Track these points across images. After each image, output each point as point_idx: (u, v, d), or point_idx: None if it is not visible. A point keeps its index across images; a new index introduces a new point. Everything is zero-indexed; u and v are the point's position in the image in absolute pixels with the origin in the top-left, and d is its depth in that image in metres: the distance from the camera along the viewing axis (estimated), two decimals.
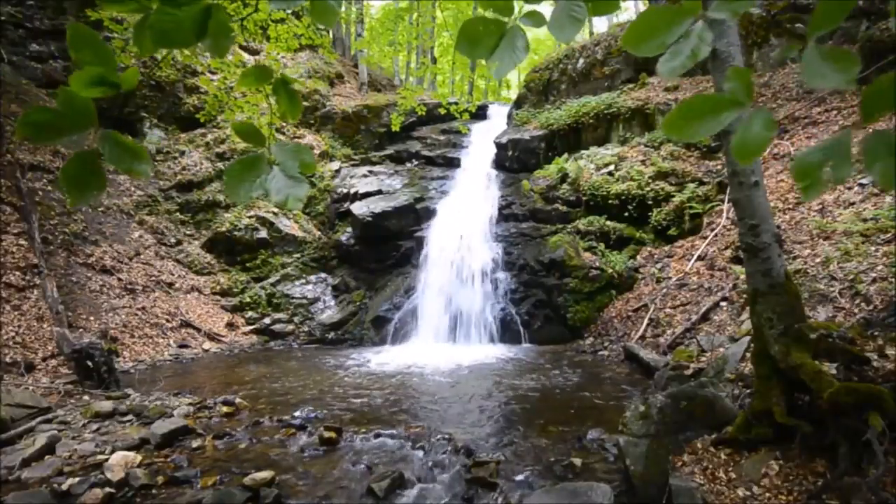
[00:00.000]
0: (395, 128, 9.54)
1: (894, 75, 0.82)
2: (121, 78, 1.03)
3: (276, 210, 11.95)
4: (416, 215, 11.26)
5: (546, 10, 1.15)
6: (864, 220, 5.95)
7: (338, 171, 13.33)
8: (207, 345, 9.04)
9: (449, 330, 9.32)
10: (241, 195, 1.19)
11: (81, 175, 1.04)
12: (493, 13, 1.14)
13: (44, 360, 6.73)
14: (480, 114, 14.97)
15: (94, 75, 1.00)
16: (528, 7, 1.16)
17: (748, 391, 4.02)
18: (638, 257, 9.44)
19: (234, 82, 8.78)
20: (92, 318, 8.11)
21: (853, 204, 6.56)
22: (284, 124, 13.29)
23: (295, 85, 1.49)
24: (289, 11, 8.56)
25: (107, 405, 4.89)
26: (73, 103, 0.99)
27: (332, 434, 4.16)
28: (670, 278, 8.26)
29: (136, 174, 1.11)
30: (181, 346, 8.64)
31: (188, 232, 11.38)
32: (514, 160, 12.19)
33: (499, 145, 12.47)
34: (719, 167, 9.57)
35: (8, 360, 6.38)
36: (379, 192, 12.12)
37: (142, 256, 10.11)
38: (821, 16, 0.90)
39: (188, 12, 1.04)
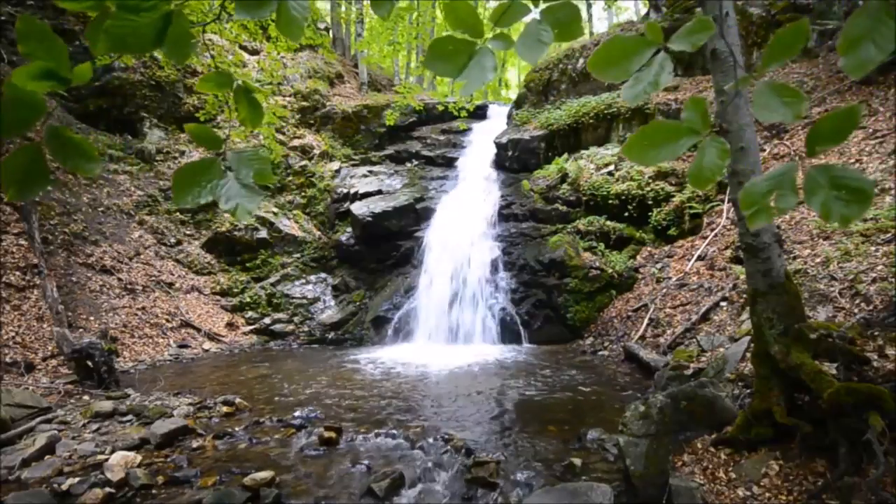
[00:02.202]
0: (391, 122, 9.56)
1: (837, 114, 0.85)
2: (73, 72, 0.99)
3: (276, 210, 11.96)
4: (416, 215, 11.26)
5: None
6: (864, 220, 5.95)
7: (338, 171, 13.33)
8: (207, 345, 9.04)
9: (449, 330, 9.32)
10: (188, 200, 1.14)
11: (25, 170, 1.00)
12: (464, 34, 1.16)
13: (44, 360, 6.73)
14: (480, 113, 14.97)
15: (40, 69, 0.97)
16: (498, 29, 1.20)
17: (748, 391, 4.02)
18: (638, 257, 9.44)
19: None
20: (92, 318, 8.11)
21: None
22: (284, 124, 13.29)
23: (256, 94, 1.47)
24: None
25: (107, 405, 4.89)
26: (20, 97, 0.96)
27: (332, 434, 4.17)
28: (670, 278, 8.26)
29: (84, 173, 1.07)
30: (181, 346, 8.64)
31: (188, 232, 11.38)
32: (514, 160, 12.18)
33: (499, 145, 12.47)
34: None
35: (8, 360, 6.38)
36: (379, 192, 12.12)
37: (142, 256, 10.11)
38: (776, 48, 0.92)
39: (147, 18, 1.01)
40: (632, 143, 1.01)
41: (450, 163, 13.22)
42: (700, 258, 8.18)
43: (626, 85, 1.03)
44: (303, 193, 12.73)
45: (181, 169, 1.15)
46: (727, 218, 8.45)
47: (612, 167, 10.39)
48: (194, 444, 4.13)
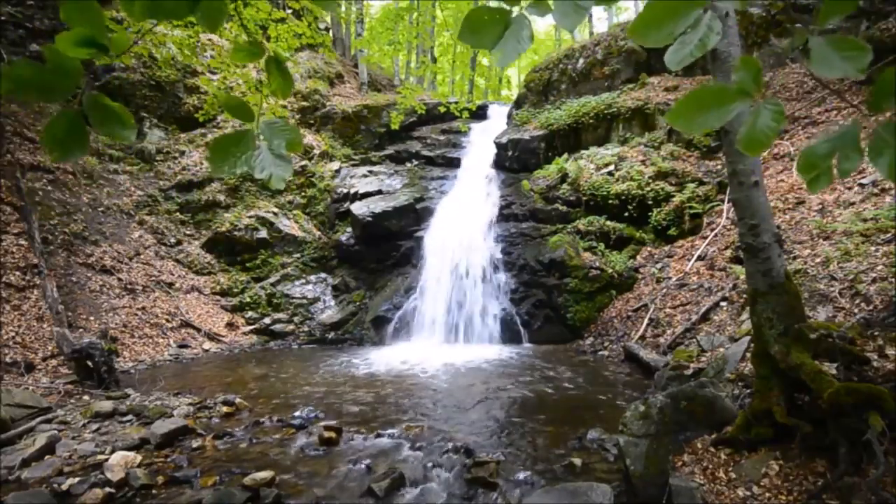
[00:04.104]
0: (395, 125, 9.55)
1: None
2: (111, 41, 1.02)
3: (276, 210, 11.95)
4: (416, 215, 11.26)
5: None
6: (864, 220, 5.95)
7: (338, 171, 13.33)
8: (207, 345, 9.04)
9: (449, 330, 9.32)
10: (224, 170, 1.17)
11: (65, 133, 1.03)
12: (498, 2, 1.13)
13: (44, 360, 6.73)
14: (480, 113, 14.97)
15: (82, 36, 0.98)
16: None
17: (748, 391, 4.02)
18: (638, 257, 9.44)
19: (234, 83, 8.79)
20: (92, 318, 8.11)
21: (853, 204, 6.55)
22: None
23: (287, 63, 1.47)
24: (289, 11, 8.56)
25: (107, 405, 4.89)
26: (60, 63, 0.98)
27: (332, 434, 4.17)
28: (670, 278, 8.26)
29: (119, 139, 1.10)
30: (181, 346, 8.64)
31: (188, 232, 11.38)
32: (514, 160, 12.18)
33: (499, 145, 12.46)
34: (719, 167, 9.56)
35: (8, 360, 6.38)
36: (379, 192, 12.11)
37: (142, 256, 10.10)
38: (833, 1, 0.87)
39: None
40: (678, 109, 0.95)
41: (450, 163, 13.22)
42: (700, 258, 8.18)
43: (670, 49, 0.97)
44: (303, 193, 12.72)
45: (217, 140, 1.18)
46: (727, 218, 8.45)
47: (612, 167, 10.39)
48: (194, 444, 4.13)
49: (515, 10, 1.12)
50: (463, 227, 10.53)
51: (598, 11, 23.57)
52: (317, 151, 13.47)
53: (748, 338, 4.85)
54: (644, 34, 0.97)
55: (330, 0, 1.27)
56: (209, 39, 12.34)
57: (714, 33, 0.93)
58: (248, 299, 10.54)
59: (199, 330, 9.28)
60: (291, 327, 10.23)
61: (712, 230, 8.56)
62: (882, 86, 0.83)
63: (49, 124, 1.02)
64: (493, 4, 1.15)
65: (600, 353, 7.80)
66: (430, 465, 3.67)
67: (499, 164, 12.46)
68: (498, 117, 15.02)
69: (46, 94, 0.99)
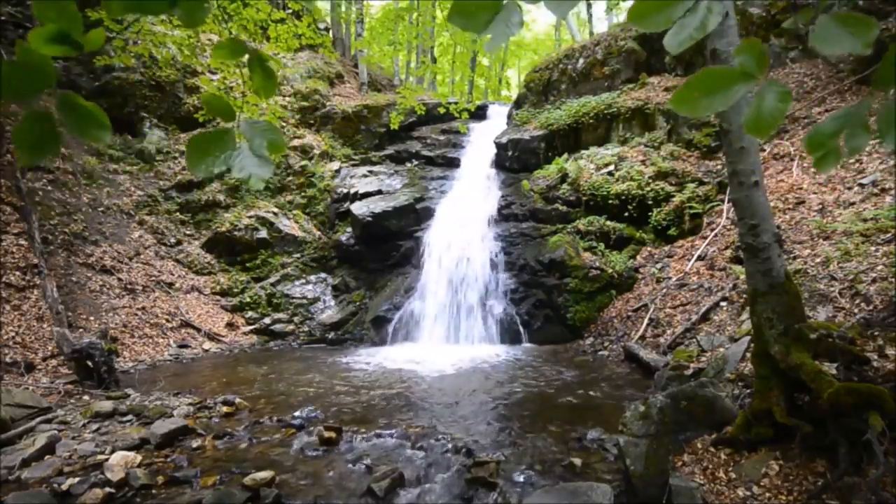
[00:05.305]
0: (394, 125, 9.56)
1: None
2: (85, 38, 0.98)
3: (276, 210, 11.96)
4: (416, 215, 11.26)
5: None
6: (864, 220, 5.95)
7: (338, 171, 13.33)
8: (207, 345, 9.04)
9: (449, 330, 9.32)
10: (202, 169, 1.14)
11: (36, 136, 0.99)
12: None
13: (44, 360, 6.73)
14: (480, 114, 14.97)
15: (54, 32, 0.95)
16: None
17: (748, 391, 4.02)
18: (638, 257, 9.44)
19: (234, 82, 8.79)
20: (92, 318, 8.11)
21: (853, 204, 6.55)
22: (284, 124, 13.27)
23: (271, 63, 1.43)
24: (289, 11, 8.56)
25: (107, 405, 4.89)
26: (32, 60, 0.94)
27: (332, 434, 4.17)
28: (670, 278, 8.25)
29: (94, 139, 1.05)
30: (181, 346, 8.64)
31: (188, 232, 11.38)
32: (514, 160, 12.18)
33: (499, 145, 12.46)
34: (719, 167, 9.56)
35: (8, 360, 6.38)
36: (379, 192, 12.11)
37: (142, 256, 10.10)
38: None
39: None
40: (681, 94, 0.93)
41: (450, 163, 13.22)
42: (700, 258, 8.18)
43: (670, 32, 0.95)
44: (303, 193, 12.72)
45: (195, 138, 1.14)
46: (727, 218, 8.45)
47: (612, 167, 10.39)
48: (194, 444, 4.13)
49: None
50: (463, 226, 10.54)
51: (598, 11, 23.59)
52: (317, 151, 13.47)
53: (748, 338, 4.85)
54: (643, 18, 0.95)
55: None
56: (209, 39, 12.32)
57: (714, 14, 0.90)
58: (248, 299, 10.55)
59: (199, 330, 9.28)
60: (291, 327, 10.23)
61: (712, 230, 8.56)
62: (887, 63, 0.82)
63: (18, 127, 0.97)
64: None
65: (600, 353, 7.80)
66: (430, 465, 3.67)
67: (499, 164, 12.46)
68: (498, 117, 15.02)
69: (16, 93, 0.94)
